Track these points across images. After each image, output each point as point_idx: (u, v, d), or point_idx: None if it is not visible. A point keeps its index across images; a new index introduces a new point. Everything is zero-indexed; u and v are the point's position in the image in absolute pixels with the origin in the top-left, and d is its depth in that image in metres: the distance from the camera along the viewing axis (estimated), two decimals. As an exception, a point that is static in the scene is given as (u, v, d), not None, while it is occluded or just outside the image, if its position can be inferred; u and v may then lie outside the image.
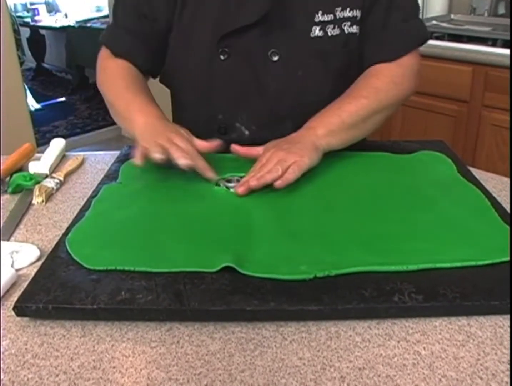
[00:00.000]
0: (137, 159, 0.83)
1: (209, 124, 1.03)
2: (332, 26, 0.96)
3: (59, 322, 0.62)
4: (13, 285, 0.68)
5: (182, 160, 0.82)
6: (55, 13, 6.05)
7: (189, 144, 0.86)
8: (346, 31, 0.97)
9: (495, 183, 0.92)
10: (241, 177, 0.87)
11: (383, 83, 0.97)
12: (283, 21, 0.95)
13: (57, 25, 5.53)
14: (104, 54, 1.06)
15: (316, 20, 0.95)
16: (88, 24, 5.16)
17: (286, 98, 1.00)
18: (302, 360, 0.55)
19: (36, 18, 5.93)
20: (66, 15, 5.75)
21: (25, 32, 5.90)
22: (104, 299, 0.61)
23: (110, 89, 1.01)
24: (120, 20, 1.05)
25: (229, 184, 0.86)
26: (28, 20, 5.94)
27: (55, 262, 0.69)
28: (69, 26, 5.32)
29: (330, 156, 0.92)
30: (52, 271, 0.67)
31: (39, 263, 0.71)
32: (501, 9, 2.43)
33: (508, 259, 0.67)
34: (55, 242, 0.75)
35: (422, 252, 0.68)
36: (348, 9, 0.96)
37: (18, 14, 6.01)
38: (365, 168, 0.93)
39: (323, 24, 0.95)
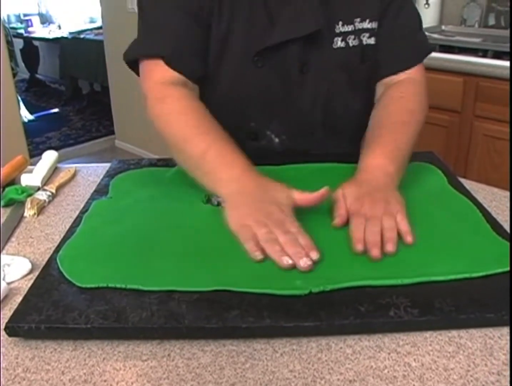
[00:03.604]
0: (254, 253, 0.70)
1: (240, 130, 0.98)
2: (352, 37, 0.97)
3: (51, 339, 0.61)
4: (4, 298, 0.67)
5: (286, 262, 0.68)
6: (49, 24, 6.07)
7: (291, 218, 0.74)
8: (364, 42, 0.98)
9: (485, 194, 0.93)
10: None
11: (414, 104, 0.98)
12: (310, 36, 0.94)
13: (51, 36, 5.55)
14: (154, 75, 0.94)
15: (337, 31, 0.96)
16: (82, 36, 5.17)
17: (315, 110, 1.02)
18: (293, 372, 0.55)
19: (30, 29, 5.95)
20: (59, 27, 5.77)
21: (18, 44, 5.91)
22: (97, 318, 0.60)
23: (176, 127, 0.89)
24: (162, 21, 0.95)
25: (220, 199, 0.85)
26: (22, 31, 5.95)
27: (47, 280, 0.68)
28: (62, 38, 5.34)
29: (322, 170, 0.92)
30: (44, 289, 0.66)
31: (31, 276, 0.71)
32: (491, 20, 2.46)
33: (501, 270, 0.67)
34: (47, 255, 0.75)
35: (416, 264, 0.68)
36: (367, 20, 0.97)
37: (12, 25, 6.03)
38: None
39: (344, 35, 0.96)
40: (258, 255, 0.69)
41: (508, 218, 0.84)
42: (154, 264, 0.70)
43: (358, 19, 0.96)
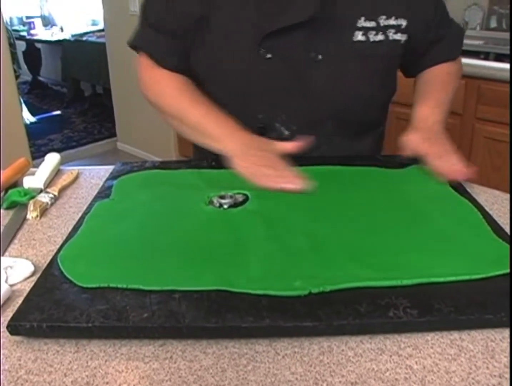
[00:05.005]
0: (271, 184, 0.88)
1: (249, 124, 1.00)
2: (374, 32, 1.00)
3: (53, 338, 0.62)
4: (7, 301, 0.68)
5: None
6: (51, 26, 6.07)
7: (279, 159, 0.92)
8: (390, 38, 1.02)
9: (487, 196, 0.93)
10: (235, 194, 0.88)
11: (450, 68, 1.15)
12: (326, 24, 0.97)
13: (53, 38, 5.56)
14: (145, 62, 1.09)
15: (359, 25, 0.99)
16: (84, 38, 5.17)
17: (327, 99, 1.03)
18: (294, 375, 0.56)
19: (32, 31, 5.96)
20: (62, 29, 5.77)
21: (21, 46, 5.92)
22: (98, 317, 0.61)
23: (173, 103, 1.04)
24: (153, 19, 1.05)
25: (223, 201, 0.86)
26: (24, 33, 5.96)
27: (49, 279, 0.69)
28: (64, 40, 5.34)
29: (322, 172, 0.93)
30: (45, 289, 0.67)
31: (33, 278, 0.71)
32: (493, 23, 2.46)
33: (501, 272, 0.67)
34: (49, 257, 0.75)
35: (416, 266, 0.69)
36: (393, 17, 1.01)
37: (14, 27, 6.03)
38: (357, 184, 0.93)
39: (365, 30, 1.00)
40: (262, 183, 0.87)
41: (509, 221, 0.85)
42: (155, 264, 0.70)
43: (384, 17, 1.00)
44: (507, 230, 0.79)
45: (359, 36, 1.00)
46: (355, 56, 1.01)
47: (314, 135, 1.00)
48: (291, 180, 0.88)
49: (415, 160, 0.97)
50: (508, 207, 0.89)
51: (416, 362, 0.57)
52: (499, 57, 2.07)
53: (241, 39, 0.98)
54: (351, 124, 1.09)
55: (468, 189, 0.92)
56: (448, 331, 0.61)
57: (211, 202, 0.87)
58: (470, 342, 0.60)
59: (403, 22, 1.02)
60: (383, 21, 1.00)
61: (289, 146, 0.95)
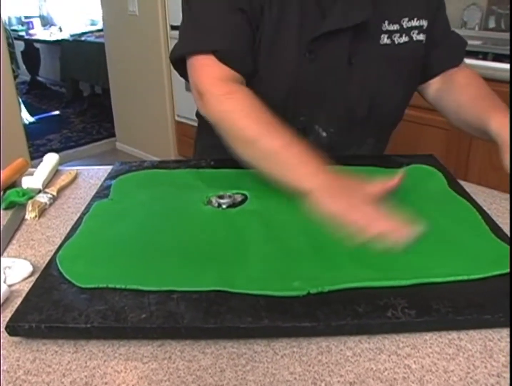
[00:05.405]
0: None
1: (290, 125, 0.92)
2: (398, 34, 1.03)
3: (51, 338, 0.62)
4: (5, 301, 0.68)
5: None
6: (50, 26, 6.07)
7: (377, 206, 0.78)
8: (414, 39, 1.04)
9: (485, 196, 0.93)
10: (234, 194, 0.88)
11: (479, 79, 1.10)
12: (358, 28, 0.98)
13: (52, 38, 5.55)
14: (212, 71, 0.94)
15: (384, 29, 1.01)
16: (83, 38, 5.17)
17: (363, 102, 1.05)
18: (293, 374, 0.56)
19: (31, 31, 5.96)
20: (60, 29, 5.78)
21: (19, 46, 5.92)
22: (97, 318, 0.61)
23: (245, 124, 0.88)
24: (214, 18, 0.96)
25: (221, 201, 0.86)
26: (23, 33, 5.96)
27: (47, 280, 0.69)
28: (63, 40, 5.34)
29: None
30: (44, 289, 0.67)
31: (32, 279, 0.71)
32: (492, 23, 2.46)
33: (499, 272, 0.67)
34: (48, 257, 0.75)
35: (414, 266, 0.69)
36: (415, 19, 1.03)
37: (13, 27, 6.03)
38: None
39: (390, 33, 1.02)
40: (369, 231, 0.72)
41: (508, 221, 0.85)
42: (154, 265, 0.70)
43: (406, 19, 1.02)
44: (506, 229, 0.79)
45: (385, 39, 1.02)
46: (384, 60, 1.03)
47: (348, 137, 1.04)
48: (398, 227, 0.73)
49: (413, 160, 0.97)
50: (507, 207, 0.89)
51: (414, 362, 0.57)
52: (497, 57, 2.07)
53: (288, 43, 0.98)
54: (380, 124, 1.12)
55: (467, 189, 0.92)
56: (447, 331, 0.61)
57: (209, 202, 0.87)
58: (468, 341, 0.60)
59: (425, 23, 1.05)
60: (405, 23, 1.03)
61: (382, 188, 0.83)
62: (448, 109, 1.10)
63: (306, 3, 0.97)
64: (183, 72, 1.00)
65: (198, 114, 1.21)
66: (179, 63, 0.99)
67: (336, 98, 1.03)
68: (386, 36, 1.02)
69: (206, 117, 0.94)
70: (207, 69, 0.94)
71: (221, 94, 0.91)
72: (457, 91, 1.08)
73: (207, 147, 1.20)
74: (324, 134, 1.06)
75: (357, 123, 1.07)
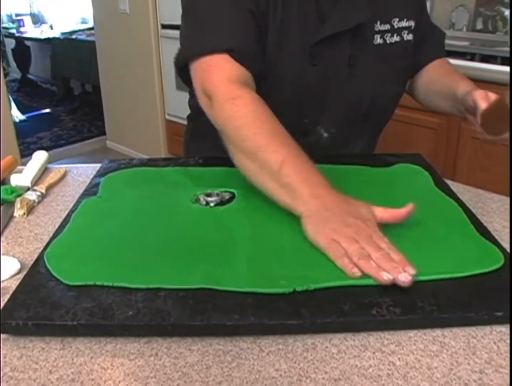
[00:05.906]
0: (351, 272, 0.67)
1: (294, 127, 0.89)
2: (390, 34, 1.06)
3: (38, 335, 0.62)
4: (-8, 298, 0.68)
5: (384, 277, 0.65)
6: (41, 24, 6.04)
7: (379, 233, 0.72)
8: (405, 39, 1.08)
9: (471, 195, 0.94)
10: (221, 192, 0.88)
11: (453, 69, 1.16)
12: (356, 30, 1.00)
13: (43, 36, 5.52)
14: (221, 72, 0.90)
15: (376, 29, 1.04)
16: (74, 36, 5.15)
17: (363, 102, 1.07)
18: (278, 371, 0.56)
19: (22, 29, 5.92)
20: (51, 27, 5.75)
21: (10, 43, 5.89)
22: (84, 315, 0.61)
23: (248, 133, 0.83)
24: (222, 18, 0.94)
25: (209, 199, 0.86)
26: (13, 31, 5.92)
27: (35, 277, 0.69)
28: (54, 38, 5.32)
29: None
30: (32, 286, 0.67)
31: (20, 276, 0.71)
32: (479, 25, 2.48)
33: (483, 270, 0.68)
34: (36, 255, 0.75)
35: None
36: (405, 19, 1.06)
37: (3, 25, 5.99)
38: (343, 182, 0.93)
39: (382, 33, 1.05)
40: (357, 272, 0.66)
41: (493, 219, 0.86)
42: (141, 262, 0.71)
43: (397, 19, 1.05)
44: (490, 228, 0.80)
45: (378, 39, 1.04)
46: (379, 59, 1.05)
47: (348, 135, 1.08)
48: (399, 268, 0.66)
49: (400, 159, 0.98)
50: (492, 206, 0.90)
51: (399, 359, 0.58)
52: (485, 58, 2.10)
53: (290, 49, 0.98)
54: (376, 122, 1.15)
55: (453, 188, 0.93)
56: (431, 328, 0.62)
57: (197, 200, 0.87)
58: (452, 338, 0.60)
59: (413, 24, 1.08)
60: (396, 23, 1.05)
61: (393, 214, 0.77)
62: (420, 88, 1.18)
63: (307, 9, 0.98)
64: (188, 78, 0.96)
65: (189, 118, 1.22)
66: (184, 69, 0.96)
67: (338, 99, 1.05)
68: (379, 36, 1.04)
69: (213, 123, 0.90)
70: (217, 70, 0.91)
71: (226, 99, 0.87)
72: (430, 72, 1.16)
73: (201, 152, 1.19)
74: (325, 134, 1.08)
75: (357, 122, 1.09)
